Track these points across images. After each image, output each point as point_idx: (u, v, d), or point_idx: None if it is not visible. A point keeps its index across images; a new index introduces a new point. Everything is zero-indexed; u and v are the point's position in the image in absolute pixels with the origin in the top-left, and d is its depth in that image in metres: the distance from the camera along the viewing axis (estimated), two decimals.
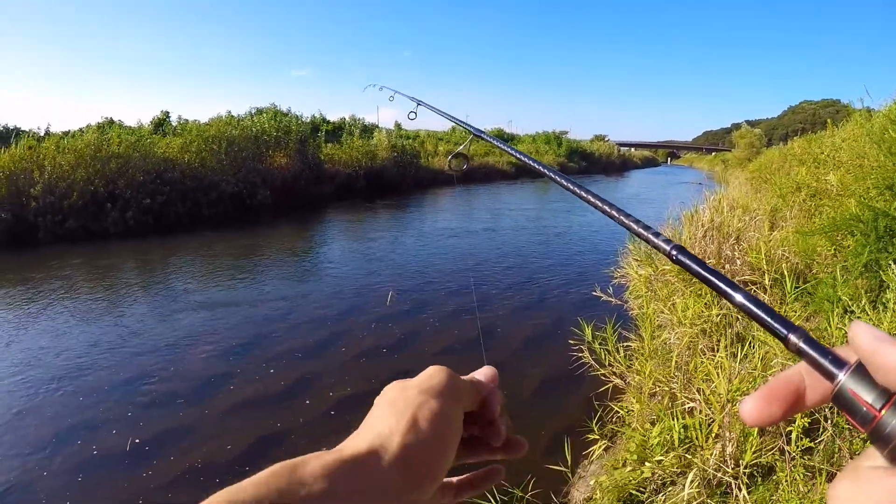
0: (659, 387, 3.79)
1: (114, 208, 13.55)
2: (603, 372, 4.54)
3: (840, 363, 0.33)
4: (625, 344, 4.72)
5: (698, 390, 3.19)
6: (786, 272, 3.91)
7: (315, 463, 0.39)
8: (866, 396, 0.30)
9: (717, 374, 2.99)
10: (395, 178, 24.87)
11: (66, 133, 17.08)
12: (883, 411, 0.29)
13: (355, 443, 0.44)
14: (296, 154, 20.61)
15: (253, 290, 9.18)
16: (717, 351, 3.32)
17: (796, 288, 3.80)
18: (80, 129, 18.24)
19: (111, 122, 22.14)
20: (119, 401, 5.35)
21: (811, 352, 0.34)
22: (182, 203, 15.44)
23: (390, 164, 25.13)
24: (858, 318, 2.83)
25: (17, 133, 15.94)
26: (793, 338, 0.36)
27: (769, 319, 0.38)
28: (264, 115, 22.53)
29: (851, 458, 1.71)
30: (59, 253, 11.34)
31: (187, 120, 22.10)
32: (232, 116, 21.39)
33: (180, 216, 15.23)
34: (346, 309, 8.15)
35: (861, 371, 0.31)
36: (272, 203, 18.12)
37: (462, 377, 0.51)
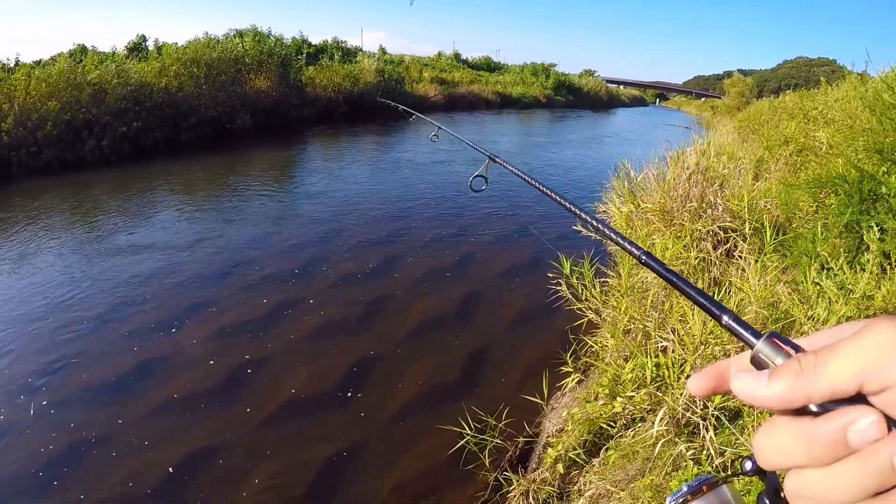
0: (634, 324, 3.79)
1: (90, 136, 12.95)
2: (579, 306, 4.54)
3: (757, 335, 0.43)
4: (602, 280, 4.70)
5: (673, 330, 3.18)
6: (766, 223, 3.88)
7: None
8: (776, 360, 0.38)
9: (692, 316, 2.98)
10: (377, 103, 24.29)
11: (37, 63, 16.13)
12: None
13: None
14: (277, 77, 19.89)
15: (233, 215, 9.00)
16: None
17: (775, 239, 3.77)
18: (52, 58, 17.26)
19: (84, 48, 21.01)
20: (99, 332, 5.25)
21: (737, 327, 0.47)
22: (160, 129, 14.85)
23: (373, 89, 24.42)
24: (835, 274, 2.81)
25: None
26: (725, 318, 0.49)
27: (709, 304, 0.53)
28: (245, 37, 21.57)
29: None
30: (35, 185, 10.89)
31: (165, 43, 21.07)
32: (211, 38, 20.33)
33: (158, 142, 14.67)
34: (325, 234, 8.05)
35: (770, 342, 0.39)
36: (252, 127, 17.59)
37: None
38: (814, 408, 0.35)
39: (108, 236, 7.92)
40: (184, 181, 11.57)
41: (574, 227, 5.75)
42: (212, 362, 4.81)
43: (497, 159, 1.61)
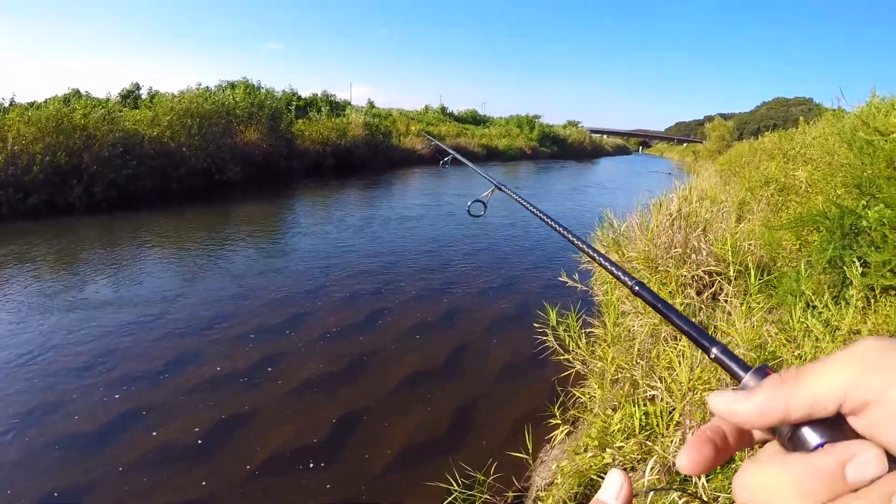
0: (621, 373, 3.77)
1: (78, 183, 12.92)
2: (566, 357, 4.51)
3: (746, 368, 0.41)
4: (588, 330, 4.69)
5: (660, 378, 3.16)
6: (751, 264, 3.92)
7: None
8: None
9: (679, 363, 2.96)
10: (366, 156, 24.57)
11: (31, 104, 16.24)
12: None
13: None
14: (267, 130, 20.17)
15: (220, 267, 8.95)
16: (680, 340, 3.30)
17: (760, 280, 3.80)
18: (46, 101, 17.39)
19: (77, 92, 21.24)
20: (80, 383, 5.10)
21: (726, 360, 0.45)
22: (150, 178, 14.87)
23: (361, 142, 24.78)
24: (820, 312, 2.83)
25: None
26: (714, 350, 0.46)
27: (698, 336, 0.51)
28: (236, 89, 21.96)
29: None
30: (22, 229, 10.79)
31: (158, 91, 21.36)
32: (205, 89, 20.66)
33: (148, 191, 14.67)
34: (312, 288, 8.00)
35: (760, 372, 0.38)
36: (242, 179, 17.72)
37: None
38: (798, 436, 0.33)
39: (92, 285, 7.79)
40: (172, 232, 11.53)
41: (560, 278, 5.76)
42: (194, 416, 4.68)
43: (503, 188, 1.61)
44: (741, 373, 0.41)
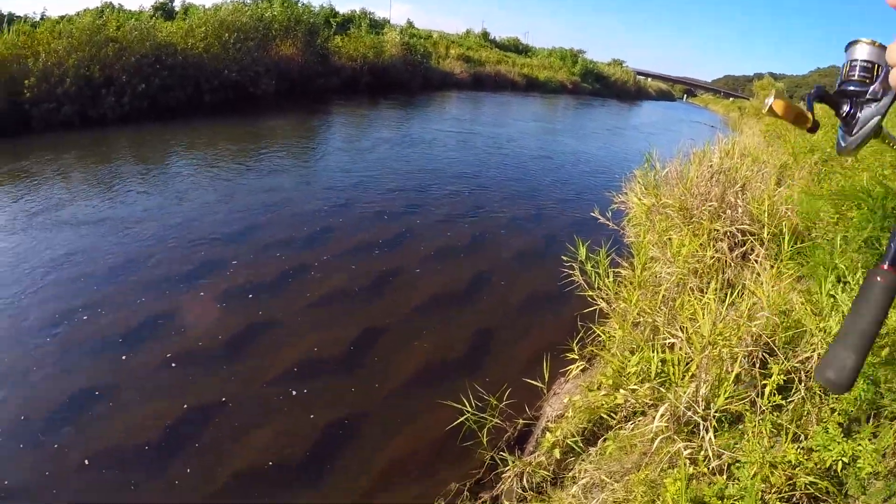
0: (643, 317, 3.75)
1: (109, 94, 12.88)
2: (591, 294, 4.50)
3: None
4: (615, 270, 4.65)
5: (682, 328, 3.14)
6: (785, 229, 3.79)
7: None
8: None
9: (703, 315, 2.93)
10: (402, 76, 23.95)
11: (62, 18, 16.01)
12: None
13: None
14: (303, 45, 19.70)
15: (251, 178, 9.01)
16: (706, 293, 3.25)
17: (792, 247, 3.69)
18: (78, 13, 17.14)
19: (110, 5, 20.86)
20: (109, 287, 5.33)
21: None
22: (182, 89, 14.75)
23: (399, 61, 24.15)
24: (852, 288, 2.74)
25: (11, 19, 14.92)
26: None
27: None
28: (273, 2, 21.36)
29: (818, 423, 1.66)
30: (54, 140, 10.91)
31: (191, 4, 20.87)
32: (241, 2, 20.12)
33: (180, 102, 14.62)
34: (341, 204, 8.05)
35: None
36: (275, 93, 17.49)
37: None
38: None
39: (122, 194, 7.96)
40: (203, 142, 11.58)
41: (592, 214, 5.67)
42: (220, 322, 4.87)
43: None
44: None
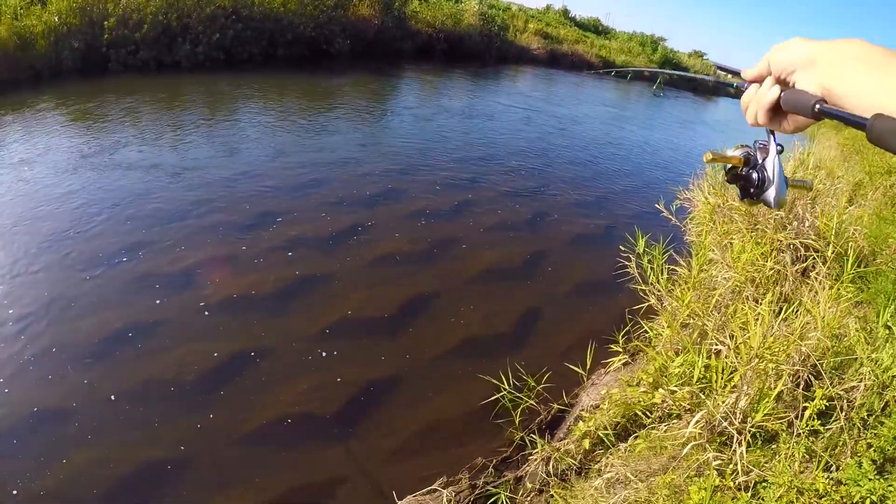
0: (693, 319, 3.67)
1: (185, 42, 13.22)
2: (643, 288, 4.43)
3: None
4: (671, 267, 4.55)
5: (731, 335, 3.07)
6: (851, 251, 3.61)
7: None
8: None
9: (754, 326, 2.85)
10: (478, 46, 23.55)
11: None
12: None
13: None
14: (381, 7, 19.64)
15: (319, 135, 9.17)
16: (761, 304, 3.15)
17: (855, 270, 3.52)
18: None
19: None
20: (168, 228, 5.54)
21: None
22: (256, 42, 14.95)
23: (475, 31, 23.76)
24: None
25: None
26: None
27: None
28: None
29: (852, 456, 1.61)
30: (129, 80, 11.34)
31: None
32: None
33: (254, 55, 14.85)
34: (406, 168, 8.11)
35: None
36: (350, 52, 17.55)
37: None
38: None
39: (187, 139, 8.21)
40: (275, 95, 11.79)
41: (656, 206, 5.54)
42: (274, 270, 5.06)
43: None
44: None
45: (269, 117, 9.83)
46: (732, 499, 2.21)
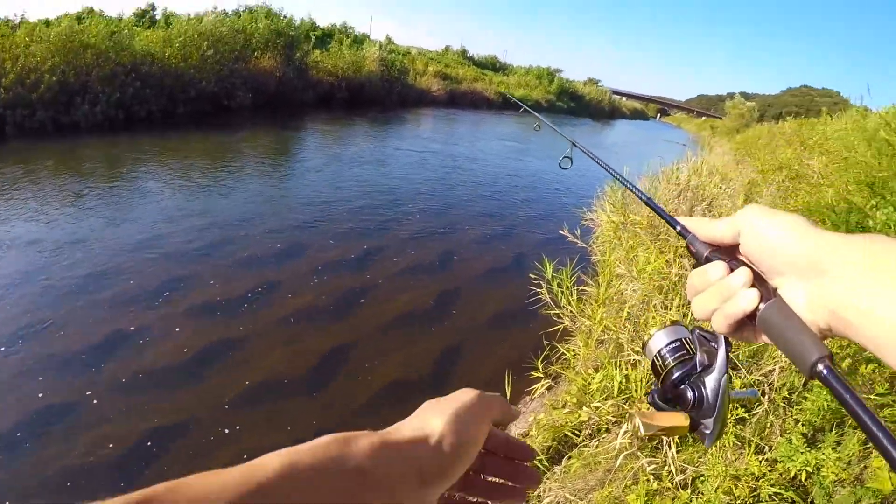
0: (608, 334, 3.74)
1: (83, 101, 12.59)
2: (556, 312, 4.49)
3: (690, 234, 0.63)
4: (581, 288, 4.65)
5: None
6: None
7: (364, 441, 0.44)
8: (695, 243, 0.61)
9: None
10: (378, 92, 23.97)
11: (42, 21, 15.70)
12: (697, 246, 0.61)
13: (400, 430, 0.49)
14: (282, 58, 19.64)
15: (222, 192, 8.82)
16: (671, 310, 3.25)
17: None
18: (57, 18, 16.82)
19: (91, 10, 20.54)
20: (74, 302, 5.05)
21: (683, 232, 0.65)
22: (156, 100, 14.45)
23: (376, 77, 24.19)
24: None
25: None
26: (677, 227, 0.63)
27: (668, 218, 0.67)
28: (255, 14, 21.25)
29: (782, 434, 1.63)
30: (27, 146, 10.55)
31: (173, 12, 20.66)
32: (224, 14, 19.92)
33: (153, 113, 14.30)
34: (312, 220, 7.92)
35: (695, 236, 0.62)
36: (251, 106, 17.33)
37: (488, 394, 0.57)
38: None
39: (91, 205, 7.63)
40: (175, 155, 11.31)
41: (561, 232, 5.69)
42: (185, 339, 4.68)
43: (577, 144, 1.83)
44: (686, 235, 0.64)
45: (170, 179, 9.33)
46: (672, 499, 2.20)
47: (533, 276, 4.82)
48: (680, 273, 3.98)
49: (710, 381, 0.62)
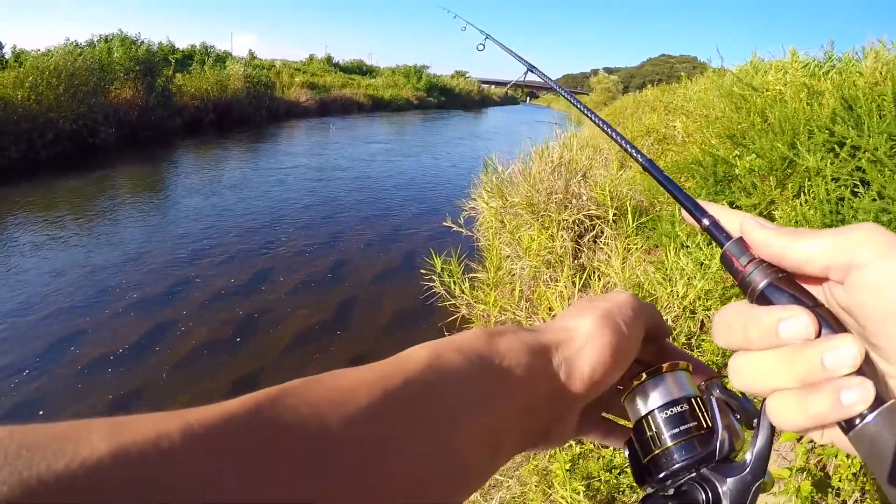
0: (505, 315, 3.79)
1: None
2: (452, 302, 4.50)
3: (728, 238, 0.38)
4: (472, 275, 4.69)
5: (542, 320, 3.21)
6: (629, 208, 4.03)
7: (509, 338, 0.40)
8: (741, 258, 0.35)
9: (558, 303, 3.00)
10: (246, 110, 22.98)
11: None
12: (748, 267, 0.35)
13: (548, 329, 0.43)
14: (143, 87, 18.30)
15: (97, 237, 7.98)
16: (558, 282, 3.34)
17: (637, 222, 3.93)
18: None
19: None
20: None
21: (713, 229, 0.40)
22: (14, 146, 12.85)
23: (242, 95, 23.23)
24: (691, 252, 2.95)
25: None
26: (704, 221, 0.41)
27: (689, 205, 0.43)
28: (111, 42, 19.64)
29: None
30: None
31: (23, 50, 18.65)
32: (74, 45, 18.15)
33: (14, 161, 12.67)
34: (195, 252, 7.33)
35: (740, 242, 0.36)
36: (116, 140, 15.97)
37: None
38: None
39: None
40: (42, 203, 10.13)
41: (445, 224, 5.72)
42: (77, 404, 4.21)
43: (535, 70, 1.59)
44: (724, 241, 0.39)
45: (41, 230, 8.24)
46: (597, 459, 2.27)
47: (424, 271, 4.79)
48: (564, 245, 4.13)
49: (735, 485, 0.37)
